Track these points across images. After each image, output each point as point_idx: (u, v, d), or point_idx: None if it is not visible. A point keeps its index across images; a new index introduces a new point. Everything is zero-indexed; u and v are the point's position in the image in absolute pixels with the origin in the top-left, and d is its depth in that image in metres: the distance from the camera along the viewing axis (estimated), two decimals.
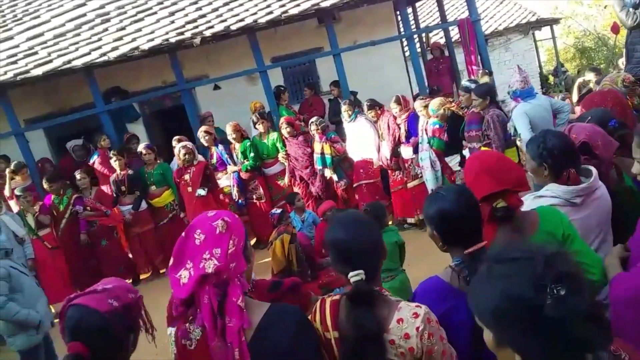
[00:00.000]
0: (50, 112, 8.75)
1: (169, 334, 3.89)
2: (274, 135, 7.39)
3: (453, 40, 10.78)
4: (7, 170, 7.08)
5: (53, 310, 6.60)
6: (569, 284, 1.08)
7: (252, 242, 7.46)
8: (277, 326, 1.62)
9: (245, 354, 1.54)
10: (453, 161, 6.32)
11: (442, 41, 11.60)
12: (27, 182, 7.12)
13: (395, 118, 6.79)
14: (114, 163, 7.08)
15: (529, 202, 2.31)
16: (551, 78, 17.13)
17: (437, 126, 6.22)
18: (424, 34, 11.57)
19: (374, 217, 4.14)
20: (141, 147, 7.22)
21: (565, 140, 2.39)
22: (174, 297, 1.65)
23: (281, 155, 7.32)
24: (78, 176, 6.91)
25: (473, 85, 5.73)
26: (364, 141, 7.07)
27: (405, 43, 10.36)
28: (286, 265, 4.66)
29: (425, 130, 6.34)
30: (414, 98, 8.94)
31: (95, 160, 7.66)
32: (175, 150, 6.93)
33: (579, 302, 1.07)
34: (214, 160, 7.37)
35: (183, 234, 1.66)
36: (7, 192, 6.85)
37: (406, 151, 6.71)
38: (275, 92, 8.15)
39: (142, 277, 7.39)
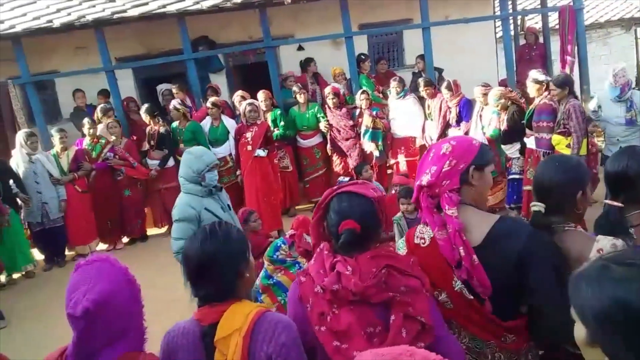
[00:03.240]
0: (140, 53, 9.06)
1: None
2: (314, 107, 7.38)
3: (550, 27, 10.26)
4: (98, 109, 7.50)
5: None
6: None
7: None
8: (506, 234, 1.82)
9: (469, 250, 1.79)
10: (512, 149, 6.22)
11: (538, 26, 11.07)
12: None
13: (447, 101, 6.86)
14: (145, 117, 7.31)
15: None
16: None
17: (495, 115, 6.20)
18: (519, 17, 11.08)
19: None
20: (171, 106, 7.34)
21: None
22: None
23: (324, 125, 7.29)
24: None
25: (542, 77, 5.69)
26: (408, 119, 7.18)
27: (498, 24, 9.97)
28: None
29: (481, 116, 6.38)
30: (500, 84, 8.67)
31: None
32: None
33: None
34: None
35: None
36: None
37: (454, 134, 6.71)
38: (357, 60, 8.08)
39: (153, 233, 7.63)
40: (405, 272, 1.73)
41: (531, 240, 1.78)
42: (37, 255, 6.98)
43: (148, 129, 7.36)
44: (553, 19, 10.32)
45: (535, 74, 5.74)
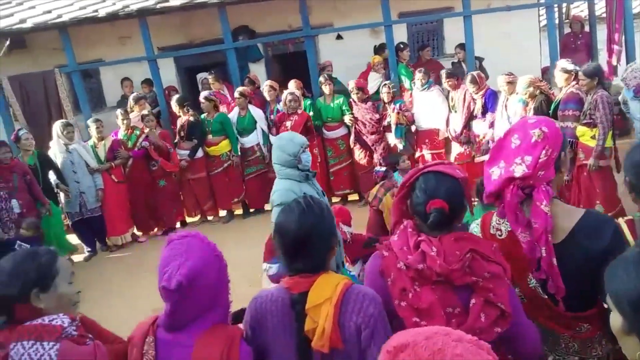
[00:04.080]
0: (181, 43, 9.23)
1: (265, 269, 4.09)
2: (340, 99, 7.34)
3: (596, 15, 9.95)
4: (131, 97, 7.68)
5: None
6: None
7: None
8: (591, 231, 1.78)
9: (551, 252, 1.76)
10: None
11: (584, 14, 10.75)
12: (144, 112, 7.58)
13: (471, 92, 6.74)
14: (175, 108, 7.37)
15: None
16: None
17: (521, 104, 6.09)
18: (564, 5, 10.76)
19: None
20: (200, 97, 7.40)
21: None
22: (486, 188, 1.93)
23: (348, 118, 7.24)
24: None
25: (571, 67, 5.60)
26: (432, 111, 7.06)
27: (542, 12, 9.72)
28: None
29: (506, 106, 6.28)
30: (543, 72, 8.47)
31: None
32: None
33: None
34: (273, 116, 7.38)
35: (502, 135, 1.92)
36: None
37: (479, 126, 6.72)
38: (396, 49, 8.02)
39: (189, 221, 7.76)
40: (489, 258, 1.75)
41: (615, 236, 1.78)
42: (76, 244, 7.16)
43: (179, 119, 7.46)
44: (600, 7, 10.01)
45: (564, 63, 5.69)
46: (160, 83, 7.99)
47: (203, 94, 7.48)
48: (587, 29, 9.48)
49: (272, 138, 3.41)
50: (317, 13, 8.76)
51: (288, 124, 6.79)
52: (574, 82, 5.51)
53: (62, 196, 6.75)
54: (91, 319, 1.87)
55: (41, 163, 6.52)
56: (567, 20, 10.27)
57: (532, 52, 9.33)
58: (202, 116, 7.39)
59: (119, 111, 7.23)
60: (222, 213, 7.76)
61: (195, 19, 8.68)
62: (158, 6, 7.49)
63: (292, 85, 7.38)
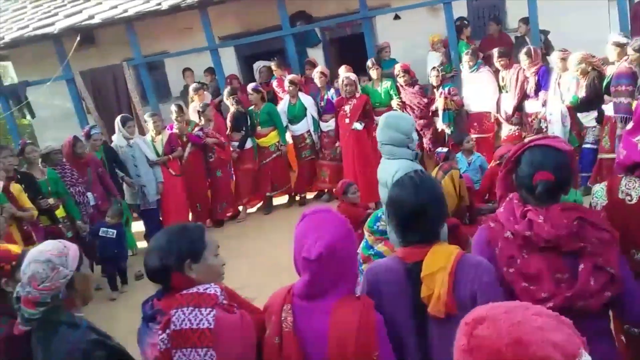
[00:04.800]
0: (240, 31, 9.37)
1: None
2: (387, 83, 7.19)
3: None
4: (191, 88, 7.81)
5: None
6: None
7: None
8: None
9: None
10: (588, 117, 5.95)
11: None
12: (206, 101, 7.74)
13: (524, 70, 6.47)
14: (226, 100, 7.39)
15: None
16: None
17: (575, 80, 5.90)
18: None
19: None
20: (248, 89, 7.40)
21: None
22: (626, 158, 2.01)
23: (396, 102, 7.08)
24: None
25: (624, 40, 5.41)
26: (482, 93, 6.82)
27: None
28: (457, 200, 4.62)
29: (559, 83, 6.08)
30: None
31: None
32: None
33: None
34: (324, 103, 7.33)
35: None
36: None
37: (532, 105, 6.51)
38: (458, 26, 7.84)
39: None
40: (597, 225, 1.80)
41: None
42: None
43: (230, 111, 7.50)
44: None
45: (615, 36, 5.49)
46: (222, 72, 8.17)
47: (250, 85, 7.50)
48: None
49: (384, 116, 3.27)
50: None
51: (347, 108, 6.78)
52: (627, 57, 5.34)
53: (125, 189, 6.84)
54: (232, 289, 1.99)
55: (107, 156, 6.66)
56: None
57: (601, 23, 8.85)
58: (250, 108, 7.41)
59: (173, 108, 7.20)
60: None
61: (253, 7, 8.78)
62: None
63: (343, 70, 7.35)
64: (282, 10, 7.74)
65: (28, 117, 9.38)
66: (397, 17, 8.91)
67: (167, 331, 1.70)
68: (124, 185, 6.77)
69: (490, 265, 1.83)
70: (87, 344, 1.90)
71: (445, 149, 5.51)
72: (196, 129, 7.20)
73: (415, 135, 3.53)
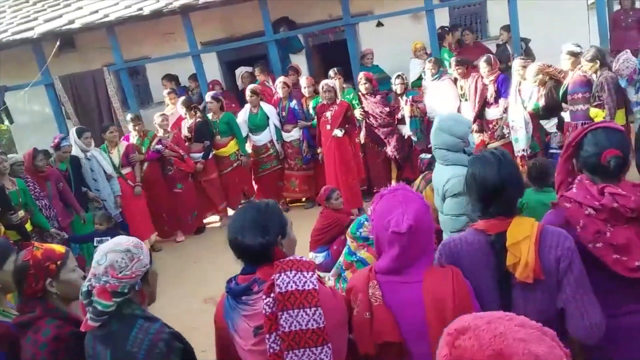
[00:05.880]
0: (223, 37, 9.34)
1: (312, 257, 4.25)
2: (350, 94, 7.21)
3: None
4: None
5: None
6: None
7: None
8: None
9: None
10: (549, 124, 6.22)
11: None
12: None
13: (482, 78, 6.55)
14: (181, 110, 7.25)
15: None
16: None
17: (535, 88, 6.10)
18: None
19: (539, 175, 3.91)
20: (207, 97, 7.33)
21: None
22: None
23: (359, 112, 7.07)
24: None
25: (578, 50, 5.66)
26: (444, 101, 6.87)
27: None
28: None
29: (519, 90, 6.23)
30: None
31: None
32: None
33: None
34: (285, 113, 7.32)
35: None
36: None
37: (492, 112, 6.62)
38: (440, 33, 7.89)
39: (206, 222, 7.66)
40: None
41: None
42: None
43: (183, 122, 7.33)
44: None
45: (569, 46, 5.69)
46: (204, 78, 8.12)
47: (209, 94, 7.40)
48: (638, 5, 9.08)
49: (439, 119, 3.09)
50: (357, 1, 8.70)
51: (328, 114, 6.76)
52: (581, 65, 5.58)
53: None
54: None
55: (73, 167, 6.31)
56: None
57: (581, 32, 8.98)
58: (208, 117, 7.33)
59: (129, 117, 7.12)
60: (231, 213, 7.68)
61: (236, 13, 8.76)
62: (200, 1, 7.58)
63: (304, 81, 7.30)
64: (265, 16, 7.72)
65: (6, 122, 9.23)
66: (380, 24, 8.96)
67: (272, 295, 1.74)
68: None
69: (568, 235, 1.94)
70: (168, 334, 1.90)
71: (429, 155, 5.50)
72: (155, 140, 6.99)
73: (472, 138, 3.50)
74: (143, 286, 1.97)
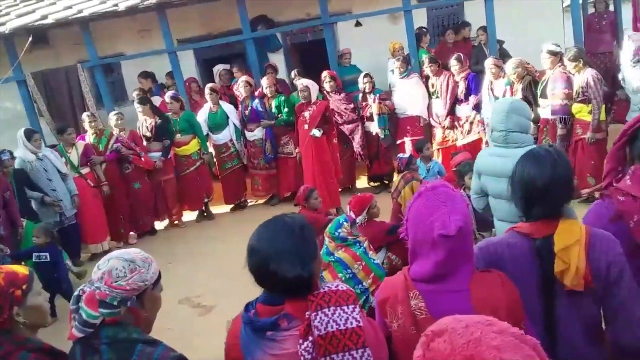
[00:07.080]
0: (200, 34, 9.24)
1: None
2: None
3: None
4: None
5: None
6: None
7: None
8: None
9: None
10: None
11: None
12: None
13: (453, 76, 6.80)
14: (137, 109, 7.13)
15: None
16: None
17: (507, 87, 6.27)
18: None
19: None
20: (166, 98, 7.29)
21: None
22: None
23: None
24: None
25: (558, 49, 5.87)
26: (412, 98, 7.04)
27: None
28: None
29: (492, 89, 6.43)
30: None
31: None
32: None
33: None
34: (248, 112, 7.32)
35: None
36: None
37: (463, 109, 6.86)
38: (417, 34, 7.92)
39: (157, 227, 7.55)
40: None
41: None
42: None
43: (142, 121, 7.22)
44: None
45: (549, 45, 5.89)
46: (180, 75, 8.03)
47: (168, 93, 7.35)
48: (611, 8, 9.24)
49: (509, 104, 2.98)
50: (335, 0, 8.69)
51: (306, 113, 6.74)
52: (560, 64, 5.79)
53: (37, 209, 6.17)
54: None
55: (17, 180, 6.02)
56: (592, 0, 10.02)
57: (556, 34, 9.11)
58: (168, 115, 7.25)
59: (85, 115, 7.00)
60: (193, 214, 7.70)
61: (214, 11, 8.67)
62: None
63: (265, 81, 7.25)
64: (242, 14, 7.66)
65: None
66: (358, 24, 8.96)
67: (310, 338, 1.50)
68: (35, 206, 6.14)
69: (616, 240, 1.83)
70: (174, 359, 1.72)
71: (406, 155, 5.53)
72: (112, 139, 6.88)
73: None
74: (138, 306, 1.75)
